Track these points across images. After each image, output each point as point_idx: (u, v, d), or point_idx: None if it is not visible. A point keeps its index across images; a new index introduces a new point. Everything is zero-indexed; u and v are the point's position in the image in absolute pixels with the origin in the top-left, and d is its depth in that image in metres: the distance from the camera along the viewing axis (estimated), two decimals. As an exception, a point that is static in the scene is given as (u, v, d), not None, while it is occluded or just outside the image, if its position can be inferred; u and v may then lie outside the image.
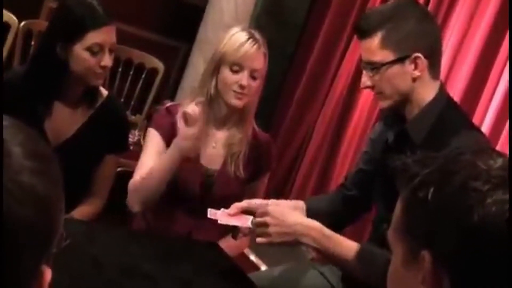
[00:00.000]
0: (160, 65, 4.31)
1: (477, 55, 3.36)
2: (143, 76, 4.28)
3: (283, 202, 2.25)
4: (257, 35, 2.49)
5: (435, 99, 2.07)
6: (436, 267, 0.94)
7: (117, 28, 2.39)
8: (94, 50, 2.32)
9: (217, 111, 2.49)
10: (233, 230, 2.17)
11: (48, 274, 0.82)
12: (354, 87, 3.97)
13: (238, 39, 2.43)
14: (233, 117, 2.50)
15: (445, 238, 0.93)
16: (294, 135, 4.26)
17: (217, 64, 2.43)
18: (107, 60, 2.35)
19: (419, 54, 2.02)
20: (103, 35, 2.33)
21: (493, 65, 3.28)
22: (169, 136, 2.47)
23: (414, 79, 2.04)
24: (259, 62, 2.44)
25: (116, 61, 2.45)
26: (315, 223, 2.03)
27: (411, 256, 0.97)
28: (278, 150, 4.02)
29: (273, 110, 4.39)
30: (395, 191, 1.05)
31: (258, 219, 2.02)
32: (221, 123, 2.52)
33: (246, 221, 2.09)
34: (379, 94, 2.09)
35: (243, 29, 2.48)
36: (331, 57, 4.17)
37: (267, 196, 2.68)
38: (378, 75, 2.05)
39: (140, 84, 4.28)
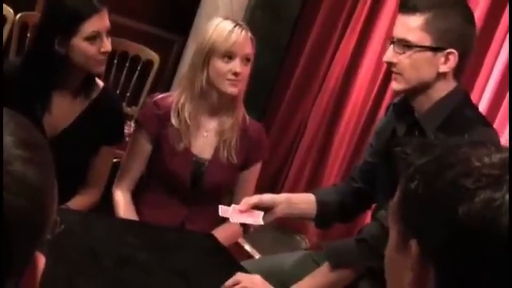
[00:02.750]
0: (155, 57, 4.32)
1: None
2: (139, 68, 4.29)
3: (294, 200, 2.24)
4: (240, 21, 2.50)
5: (451, 93, 2.06)
6: (423, 258, 0.95)
7: (113, 20, 2.40)
8: (93, 38, 2.33)
9: (209, 101, 2.51)
10: (244, 226, 2.16)
11: (41, 260, 0.83)
12: (347, 79, 3.98)
13: (224, 28, 2.43)
14: (224, 105, 2.51)
15: (432, 232, 0.94)
16: (288, 126, 4.27)
17: (206, 57, 2.43)
18: (107, 45, 2.36)
19: (454, 51, 2.00)
20: (98, 22, 2.33)
21: (489, 49, 3.27)
22: (155, 130, 2.51)
23: (439, 74, 2.03)
24: (249, 47, 2.46)
25: (112, 53, 2.45)
26: None
27: (402, 242, 0.98)
28: (272, 142, 4.04)
29: (267, 102, 4.40)
30: (395, 183, 1.05)
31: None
32: (213, 112, 2.53)
33: (257, 218, 2.06)
34: (398, 75, 2.06)
35: (225, 18, 2.48)
36: (325, 49, 4.17)
37: (260, 187, 2.70)
38: (407, 54, 2.02)
39: (135, 76, 4.28)
